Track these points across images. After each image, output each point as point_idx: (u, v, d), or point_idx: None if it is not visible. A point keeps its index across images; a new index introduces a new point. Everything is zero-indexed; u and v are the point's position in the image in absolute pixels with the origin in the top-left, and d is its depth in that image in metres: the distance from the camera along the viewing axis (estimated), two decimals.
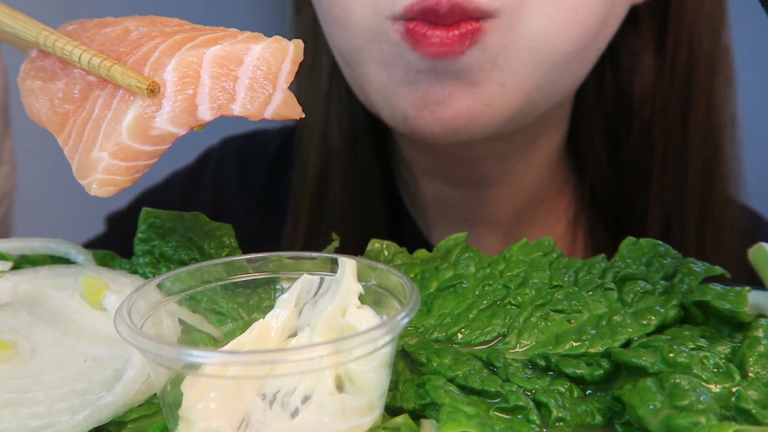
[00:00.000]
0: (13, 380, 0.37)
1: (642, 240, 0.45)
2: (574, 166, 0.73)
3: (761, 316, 0.40)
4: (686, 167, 0.68)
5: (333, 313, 0.36)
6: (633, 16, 0.64)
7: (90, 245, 0.51)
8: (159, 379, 0.34)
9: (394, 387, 0.37)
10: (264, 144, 0.86)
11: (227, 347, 0.36)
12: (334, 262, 0.38)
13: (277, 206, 0.79)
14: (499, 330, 0.41)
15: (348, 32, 0.57)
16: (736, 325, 0.40)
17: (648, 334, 0.40)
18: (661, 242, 0.45)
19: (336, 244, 0.49)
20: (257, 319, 0.37)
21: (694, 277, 0.43)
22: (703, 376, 0.35)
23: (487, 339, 0.41)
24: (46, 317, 0.42)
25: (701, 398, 0.32)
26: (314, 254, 0.39)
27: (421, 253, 0.47)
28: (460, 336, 0.41)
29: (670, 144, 0.68)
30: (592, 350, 0.39)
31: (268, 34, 0.41)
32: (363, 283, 0.37)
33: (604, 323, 0.41)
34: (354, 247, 0.45)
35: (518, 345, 0.40)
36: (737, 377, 0.35)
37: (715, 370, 0.36)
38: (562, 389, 0.37)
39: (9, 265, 0.47)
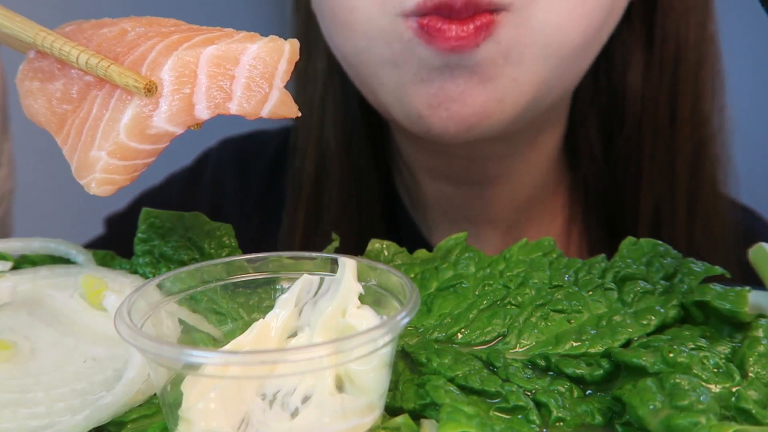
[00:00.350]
0: (13, 380, 0.37)
1: (642, 240, 0.45)
2: (569, 163, 0.73)
3: (761, 316, 0.40)
4: (675, 157, 0.69)
5: (333, 313, 0.36)
6: (627, 11, 0.64)
7: (89, 247, 0.51)
8: (159, 379, 0.34)
9: (394, 387, 0.37)
10: (263, 145, 0.86)
11: (227, 347, 0.36)
12: (334, 262, 0.38)
13: (276, 207, 0.79)
14: (499, 330, 0.41)
15: (352, 33, 0.57)
16: (736, 325, 0.40)
17: (648, 334, 0.40)
18: (661, 242, 0.45)
19: (336, 244, 0.49)
20: (257, 319, 0.37)
21: (694, 277, 0.43)
22: (703, 376, 0.35)
23: (487, 339, 0.41)
24: (46, 317, 0.42)
25: (701, 398, 0.32)
26: (314, 254, 0.39)
27: (421, 253, 0.47)
28: (460, 336, 0.41)
29: (659, 135, 0.68)
30: (592, 350, 0.39)
31: (268, 35, 0.41)
32: (363, 283, 0.37)
33: (604, 323, 0.41)
34: (352, 249, 0.45)
35: (518, 345, 0.40)
36: (737, 377, 0.35)
37: (715, 370, 0.36)
38: (562, 389, 0.37)
39: (9, 265, 0.47)
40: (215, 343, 0.40)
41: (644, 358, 0.36)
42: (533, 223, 0.73)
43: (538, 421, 0.35)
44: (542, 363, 0.39)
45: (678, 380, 0.33)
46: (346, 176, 0.72)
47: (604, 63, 0.68)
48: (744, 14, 0.75)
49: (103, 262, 0.49)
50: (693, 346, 0.37)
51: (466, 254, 0.45)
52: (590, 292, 0.43)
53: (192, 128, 0.41)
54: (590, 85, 0.68)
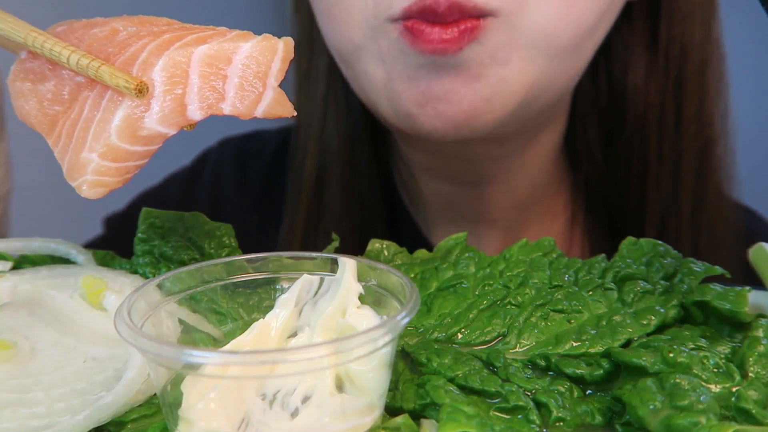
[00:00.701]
0: (13, 380, 0.37)
1: (642, 240, 0.45)
2: (570, 163, 0.73)
3: (761, 316, 0.40)
4: (680, 158, 0.69)
5: (333, 313, 0.36)
6: (627, 11, 0.64)
7: (89, 247, 0.51)
8: (159, 379, 0.34)
9: (394, 387, 0.37)
10: (262, 144, 0.86)
11: (227, 347, 0.36)
12: (334, 262, 0.38)
13: (276, 207, 0.79)
14: (499, 330, 0.41)
15: (347, 30, 0.58)
16: (736, 325, 0.40)
17: (648, 334, 0.40)
18: (661, 242, 0.45)
19: (336, 244, 0.49)
20: (257, 319, 0.37)
21: (694, 277, 0.43)
22: (703, 376, 0.35)
23: (487, 339, 0.41)
24: (46, 317, 0.42)
25: (701, 398, 0.32)
26: (314, 254, 0.39)
27: (421, 253, 0.47)
28: (460, 336, 0.41)
29: (665, 136, 0.68)
30: (592, 350, 0.39)
31: (266, 34, 0.40)
32: (363, 283, 0.37)
33: (604, 323, 0.41)
34: (352, 248, 0.45)
35: (518, 345, 0.40)
36: (737, 377, 0.35)
37: (715, 370, 0.36)
38: (562, 389, 0.37)
39: (9, 265, 0.47)
40: (215, 343, 0.40)
41: (644, 358, 0.36)
42: (534, 223, 0.73)
43: (538, 421, 0.35)
44: (542, 363, 0.39)
45: (678, 380, 0.33)
46: (347, 175, 0.72)
47: (604, 63, 0.68)
48: (744, 15, 0.75)
49: (103, 262, 0.49)
50: (693, 346, 0.37)
51: (466, 254, 0.45)
52: (590, 292, 0.43)
53: (185, 129, 0.40)
54: (590, 85, 0.68)
